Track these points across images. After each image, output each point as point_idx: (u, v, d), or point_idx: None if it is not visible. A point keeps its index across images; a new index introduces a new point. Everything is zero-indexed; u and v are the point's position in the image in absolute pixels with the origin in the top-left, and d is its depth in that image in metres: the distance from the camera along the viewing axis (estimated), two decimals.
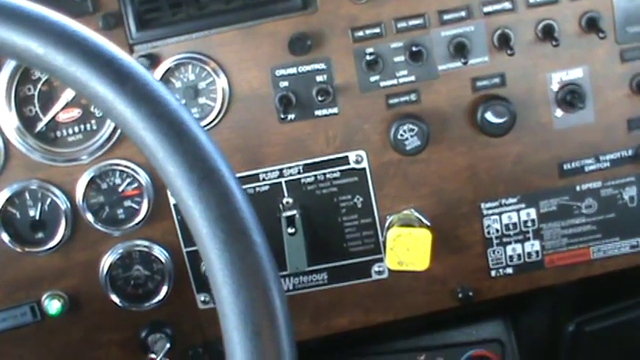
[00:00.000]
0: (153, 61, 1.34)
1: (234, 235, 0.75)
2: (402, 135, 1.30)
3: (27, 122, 1.36)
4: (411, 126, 1.30)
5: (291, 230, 1.35)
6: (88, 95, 0.77)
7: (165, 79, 1.35)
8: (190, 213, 0.75)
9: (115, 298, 1.42)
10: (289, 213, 1.36)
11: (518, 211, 1.37)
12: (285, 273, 1.38)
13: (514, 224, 1.38)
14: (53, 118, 1.36)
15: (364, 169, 1.37)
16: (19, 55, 0.77)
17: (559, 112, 1.33)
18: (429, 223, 1.36)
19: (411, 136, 1.30)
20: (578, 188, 1.36)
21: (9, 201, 1.38)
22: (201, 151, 0.76)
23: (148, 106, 0.76)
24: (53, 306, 1.39)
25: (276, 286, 0.76)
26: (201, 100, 1.36)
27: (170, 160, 0.75)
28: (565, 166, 1.35)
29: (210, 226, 0.74)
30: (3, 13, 0.76)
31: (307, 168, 1.37)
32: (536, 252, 1.39)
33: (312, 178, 1.38)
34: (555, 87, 1.32)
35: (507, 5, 1.30)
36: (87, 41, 0.77)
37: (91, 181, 1.38)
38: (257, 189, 1.38)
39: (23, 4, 0.76)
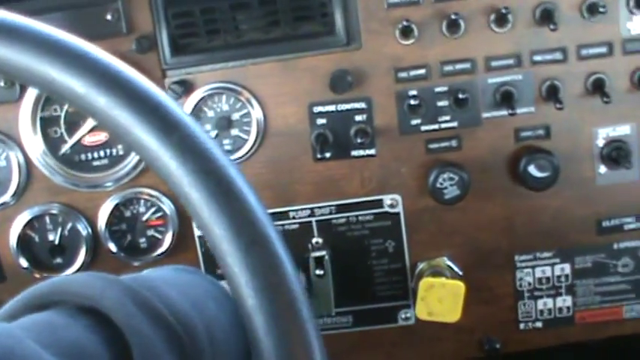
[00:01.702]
0: (186, 88, 1.29)
1: (282, 309, 0.71)
2: (441, 183, 1.26)
3: (51, 144, 1.31)
4: (451, 175, 1.26)
5: (319, 272, 1.31)
6: (130, 142, 0.72)
7: (197, 107, 1.30)
8: (235, 280, 0.70)
9: None
10: (318, 254, 1.32)
11: (552, 265, 1.34)
12: None
13: (547, 278, 1.34)
14: (79, 141, 1.31)
15: (398, 213, 1.32)
16: (57, 93, 0.71)
17: (602, 169, 1.29)
18: (460, 273, 1.32)
19: (451, 185, 1.26)
20: (615, 246, 1.33)
21: (29, 224, 1.33)
22: (251, 214, 0.71)
23: (195, 161, 0.70)
24: None
25: None
26: (234, 132, 1.31)
27: (216, 222, 0.70)
28: (604, 224, 1.32)
29: (257, 297, 0.70)
30: (43, 46, 0.71)
31: (340, 209, 1.33)
32: (568, 308, 1.36)
33: (344, 220, 1.33)
34: (600, 143, 1.28)
35: (558, 56, 1.26)
36: (132, 84, 0.71)
37: (115, 208, 1.33)
38: (286, 227, 1.33)
39: (65, 36, 0.70)
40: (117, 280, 0.74)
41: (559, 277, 1.34)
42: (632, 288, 1.35)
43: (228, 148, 1.31)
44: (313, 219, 1.33)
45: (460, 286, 1.26)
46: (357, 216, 1.33)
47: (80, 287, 0.71)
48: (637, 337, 1.37)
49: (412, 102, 1.26)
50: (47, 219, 1.33)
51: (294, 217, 1.33)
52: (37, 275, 1.34)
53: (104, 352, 0.68)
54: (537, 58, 1.26)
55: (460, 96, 1.26)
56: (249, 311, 0.70)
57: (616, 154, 1.27)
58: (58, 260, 1.34)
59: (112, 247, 1.34)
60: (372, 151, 1.30)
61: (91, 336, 0.68)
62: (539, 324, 1.37)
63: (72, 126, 1.31)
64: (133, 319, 0.70)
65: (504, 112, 1.26)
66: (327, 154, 1.30)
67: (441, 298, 1.26)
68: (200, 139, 0.72)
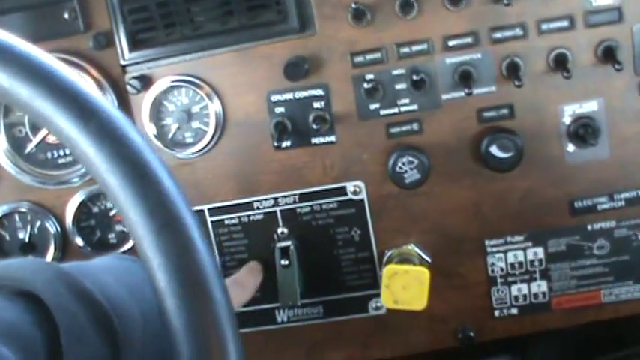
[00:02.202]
0: (145, 83, 1.29)
1: (192, 291, 0.70)
2: (400, 168, 1.24)
3: (17, 143, 1.33)
4: (410, 158, 1.23)
5: (284, 262, 1.29)
6: (53, 132, 0.73)
7: (157, 101, 1.30)
8: (149, 264, 0.71)
9: None
10: (283, 244, 1.31)
11: (524, 249, 1.29)
12: (278, 305, 1.33)
13: (520, 263, 1.30)
14: (43, 139, 1.33)
15: (362, 200, 1.30)
16: None
17: (571, 147, 1.24)
18: (429, 260, 1.29)
19: (411, 169, 1.23)
20: (589, 228, 1.28)
21: None
22: (164, 197, 0.71)
23: (111, 147, 0.71)
24: None
25: (234, 347, 0.71)
26: (195, 124, 1.31)
27: (131, 206, 0.70)
28: (576, 204, 1.27)
29: (168, 279, 0.70)
30: None
31: (303, 197, 1.31)
32: (543, 293, 1.31)
33: (308, 209, 1.32)
34: (567, 120, 1.24)
35: (518, 32, 1.21)
36: (53, 74, 0.72)
37: (82, 204, 1.34)
38: (251, 218, 1.32)
39: None
40: (51, 265, 0.78)
41: (532, 261, 1.30)
42: (610, 270, 1.29)
43: (190, 140, 1.31)
44: (277, 209, 1.32)
45: (424, 272, 1.22)
46: (320, 204, 1.31)
47: (16, 271, 0.76)
48: (617, 322, 1.31)
49: (366, 85, 1.24)
50: (17, 217, 1.36)
51: (258, 208, 1.32)
52: None
53: (37, 331, 0.71)
54: (496, 35, 1.22)
55: (418, 78, 1.23)
56: (161, 293, 0.70)
57: (583, 131, 1.23)
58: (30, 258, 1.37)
59: (80, 243, 1.35)
60: (332, 138, 1.28)
61: (26, 317, 0.72)
62: (514, 310, 1.33)
63: (36, 125, 1.33)
64: (61, 298, 0.73)
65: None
66: (287, 143, 1.29)
67: (405, 286, 1.23)
68: (117, 126, 0.72)
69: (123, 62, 1.29)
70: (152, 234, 0.70)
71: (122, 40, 1.29)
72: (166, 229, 0.70)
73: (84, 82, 0.72)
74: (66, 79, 0.72)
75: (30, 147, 1.33)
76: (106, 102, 0.73)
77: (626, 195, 1.26)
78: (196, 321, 0.70)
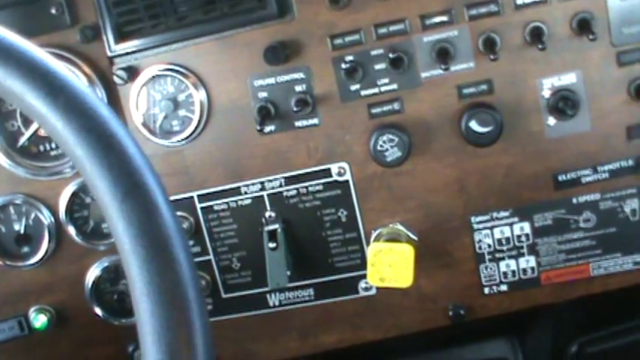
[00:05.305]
0: (132, 73, 1.32)
1: (153, 252, 0.72)
2: (381, 146, 1.25)
3: (9, 137, 1.37)
4: (390, 136, 1.24)
5: (272, 245, 1.31)
6: (25, 109, 0.76)
7: (144, 91, 1.32)
8: (114, 229, 0.73)
9: (99, 311, 1.41)
10: (271, 227, 1.33)
11: (510, 225, 1.29)
12: (268, 289, 1.35)
13: (507, 239, 1.30)
14: (35, 132, 1.36)
15: (347, 181, 1.31)
16: None
17: (552, 120, 1.25)
18: (415, 238, 1.30)
19: (391, 147, 1.24)
20: (574, 201, 1.28)
21: None
22: (128, 166, 0.74)
23: (78, 120, 0.74)
24: (39, 320, 1.39)
25: (196, 306, 0.73)
26: (182, 112, 1.33)
27: (96, 175, 0.73)
28: (560, 178, 1.27)
29: (131, 243, 0.72)
30: None
31: (289, 181, 1.33)
32: (532, 268, 1.31)
33: (295, 191, 1.33)
34: (547, 93, 1.24)
35: (493, 8, 1.22)
36: (24, 54, 0.76)
37: (75, 194, 1.37)
38: (239, 202, 1.34)
39: None
40: None
41: (519, 236, 1.30)
42: (597, 244, 1.29)
43: (177, 128, 1.33)
44: (264, 193, 1.34)
45: (408, 249, 1.23)
46: (307, 187, 1.32)
47: None
48: (606, 295, 1.30)
49: (344, 66, 1.25)
50: (12, 209, 1.39)
51: (245, 192, 1.34)
52: (2, 263, 1.39)
53: None
54: (472, 12, 1.23)
55: (395, 56, 1.24)
56: (125, 257, 0.73)
57: (563, 103, 1.23)
58: (25, 249, 1.39)
59: (73, 232, 1.38)
60: (315, 121, 1.30)
61: None
62: (504, 287, 1.32)
63: (27, 118, 1.36)
64: None
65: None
66: (271, 127, 1.31)
67: (390, 263, 1.24)
68: (84, 100, 0.76)
69: (110, 54, 1.32)
70: (117, 201, 0.72)
71: (108, 33, 1.31)
72: (130, 196, 0.72)
73: (52, 59, 0.75)
74: (36, 59, 0.76)
75: (22, 140, 1.36)
76: (74, 78, 0.76)
77: (610, 166, 1.26)
78: (159, 281, 0.72)
